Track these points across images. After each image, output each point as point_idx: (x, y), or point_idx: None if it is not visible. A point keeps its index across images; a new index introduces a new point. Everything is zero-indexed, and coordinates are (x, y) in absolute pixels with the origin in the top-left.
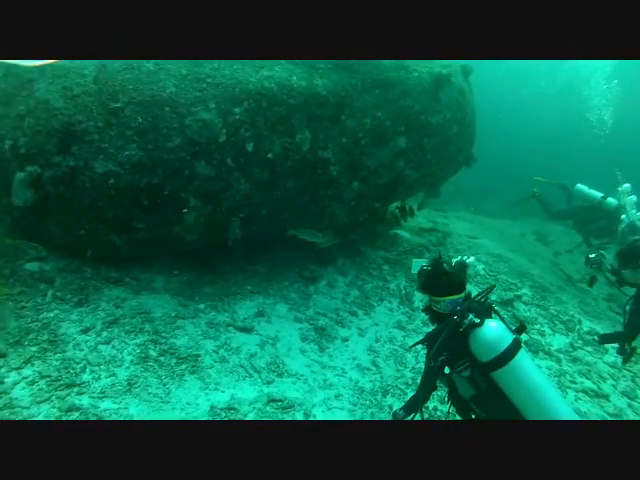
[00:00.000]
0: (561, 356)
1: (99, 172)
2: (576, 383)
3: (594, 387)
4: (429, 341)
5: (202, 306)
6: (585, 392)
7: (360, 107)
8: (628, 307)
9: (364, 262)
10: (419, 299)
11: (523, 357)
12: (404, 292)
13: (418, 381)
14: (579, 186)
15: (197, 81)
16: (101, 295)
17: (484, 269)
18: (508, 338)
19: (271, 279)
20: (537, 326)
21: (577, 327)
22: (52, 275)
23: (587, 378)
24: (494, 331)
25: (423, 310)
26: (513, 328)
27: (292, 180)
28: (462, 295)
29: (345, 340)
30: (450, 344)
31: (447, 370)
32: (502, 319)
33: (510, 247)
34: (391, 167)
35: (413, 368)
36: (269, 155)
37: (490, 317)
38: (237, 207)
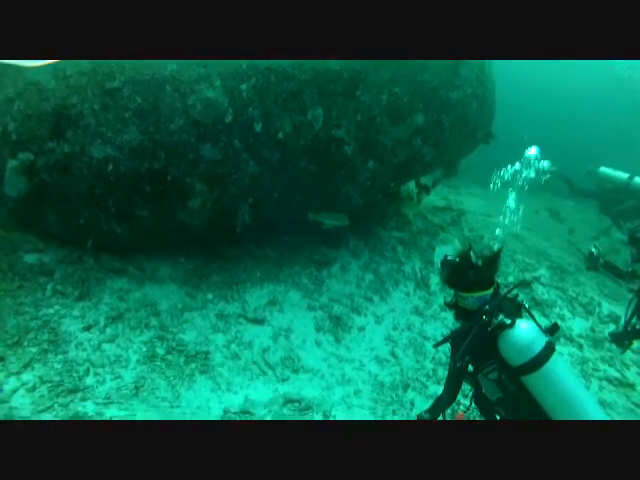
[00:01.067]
0: (582, 342)
1: (96, 158)
2: (599, 371)
3: (618, 375)
4: (455, 340)
5: (210, 296)
6: (609, 381)
7: (376, 82)
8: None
9: (377, 243)
10: (435, 282)
11: (557, 361)
12: (420, 275)
13: (439, 373)
14: (603, 169)
15: None
16: (104, 287)
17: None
18: (541, 341)
19: (282, 264)
20: (557, 309)
21: (597, 310)
22: (52, 267)
23: (610, 365)
24: (526, 333)
25: (447, 305)
26: (545, 328)
27: (304, 161)
28: (491, 291)
29: (362, 329)
30: (477, 345)
31: (470, 368)
32: (533, 318)
33: (525, 225)
34: (408, 145)
35: (433, 358)
36: (279, 135)
37: (520, 316)
38: (245, 191)
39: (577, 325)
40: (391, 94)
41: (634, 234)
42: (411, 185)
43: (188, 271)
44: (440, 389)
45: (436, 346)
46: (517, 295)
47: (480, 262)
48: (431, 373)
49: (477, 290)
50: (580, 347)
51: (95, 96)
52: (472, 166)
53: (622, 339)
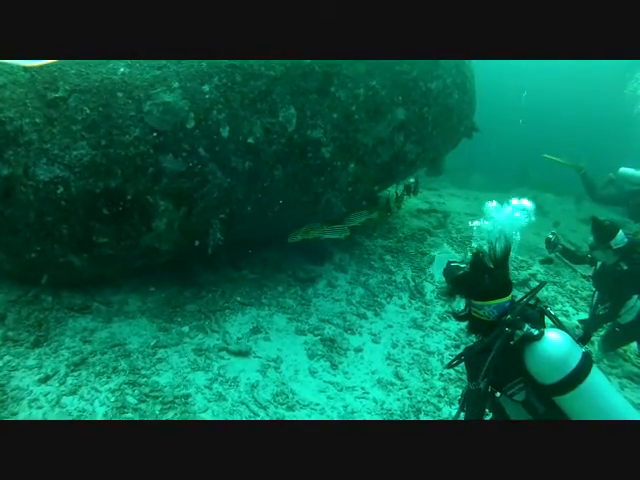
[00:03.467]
0: (593, 338)
1: (43, 180)
2: (616, 367)
3: (636, 370)
4: (471, 358)
5: (186, 328)
6: (629, 378)
7: (351, 76)
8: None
9: (363, 254)
10: (430, 290)
11: (596, 376)
12: (413, 284)
13: (451, 392)
14: (624, 170)
15: None
16: (65, 328)
17: None
18: (577, 353)
19: (263, 285)
20: (559, 306)
21: None
22: (2, 310)
23: (625, 360)
24: (559, 346)
25: (458, 316)
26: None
27: (279, 168)
28: (509, 297)
29: (359, 350)
30: (499, 362)
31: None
32: (560, 325)
33: None
34: (390, 143)
35: (441, 375)
36: (249, 140)
37: (544, 325)
38: (216, 206)
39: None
40: (368, 88)
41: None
42: (391, 189)
43: (160, 301)
44: (454, 410)
45: (449, 367)
46: (537, 300)
47: (492, 264)
48: (442, 392)
49: (495, 298)
50: (591, 343)
51: (36, 109)
52: (447, 166)
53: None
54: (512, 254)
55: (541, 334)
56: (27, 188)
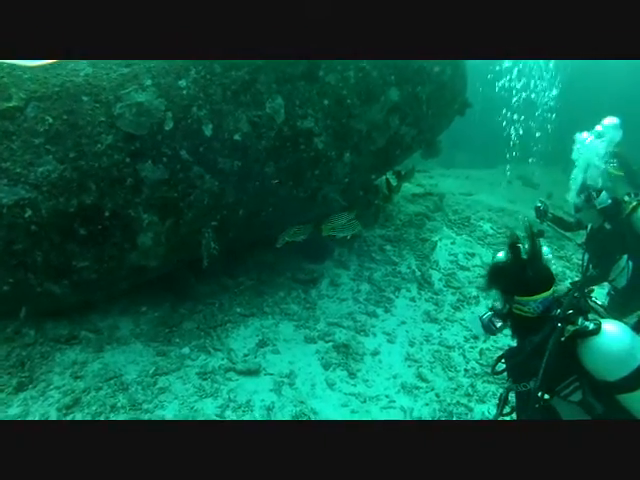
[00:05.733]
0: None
1: (7, 204)
2: None
3: None
4: (519, 359)
5: (187, 350)
6: None
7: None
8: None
9: (362, 246)
10: (437, 278)
11: None
12: (419, 273)
13: (479, 388)
14: None
15: None
16: (52, 365)
17: (491, 227)
18: None
19: (262, 292)
20: (568, 281)
21: None
22: None
23: None
24: (620, 339)
25: (497, 314)
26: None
27: (270, 164)
28: (552, 291)
29: (375, 354)
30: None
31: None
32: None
33: (508, 197)
34: (385, 127)
35: (466, 371)
36: (236, 136)
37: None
38: (206, 214)
39: (599, 295)
40: (358, 69)
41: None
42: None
43: (154, 322)
44: (485, 408)
45: (496, 373)
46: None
47: (530, 256)
48: (470, 390)
49: (539, 291)
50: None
51: None
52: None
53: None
54: None
55: (598, 328)
56: None
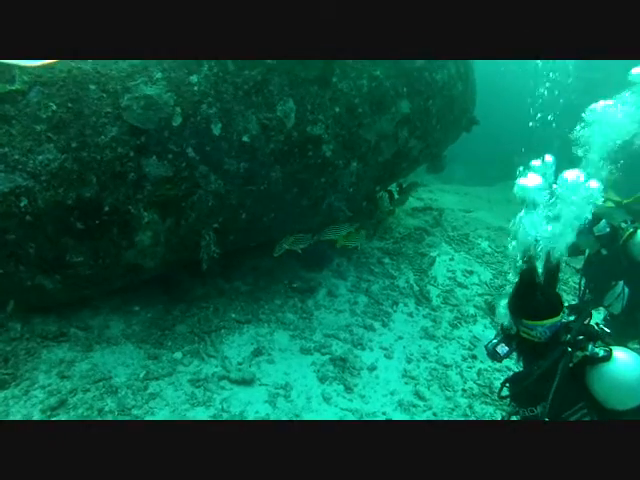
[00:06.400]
0: None
1: (2, 191)
2: None
3: None
4: (524, 385)
5: (179, 355)
6: None
7: (354, 65)
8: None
9: (361, 258)
10: (435, 295)
11: None
12: (417, 288)
13: (476, 409)
14: None
15: None
16: (38, 362)
17: (489, 245)
18: None
19: (259, 299)
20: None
21: None
22: None
23: None
24: (632, 367)
25: (506, 335)
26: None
27: (276, 169)
28: (561, 317)
29: (372, 369)
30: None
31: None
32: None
33: (506, 216)
34: (394, 139)
35: (464, 391)
36: (244, 138)
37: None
38: (208, 215)
39: (597, 317)
40: (372, 78)
41: None
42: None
43: (146, 323)
44: None
45: (503, 398)
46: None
47: (542, 280)
48: (468, 411)
49: (548, 317)
50: None
51: None
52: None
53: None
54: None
55: (609, 355)
56: None
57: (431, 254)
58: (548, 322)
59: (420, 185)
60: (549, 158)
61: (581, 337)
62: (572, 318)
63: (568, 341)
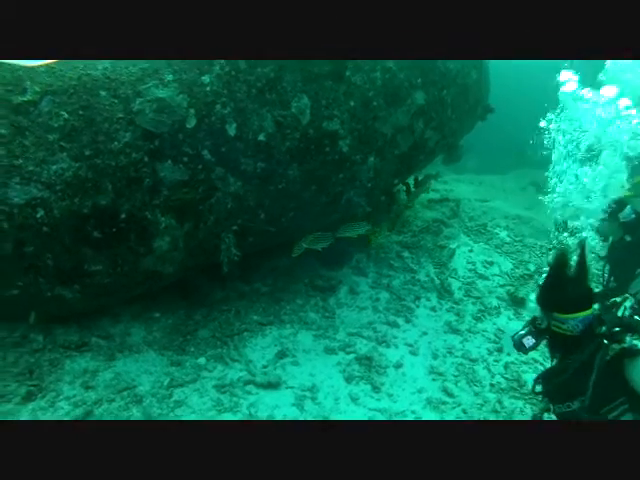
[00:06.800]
0: None
1: (18, 203)
2: None
3: None
4: (559, 381)
5: (203, 360)
6: None
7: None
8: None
9: (380, 253)
10: (457, 287)
11: None
12: (438, 282)
13: (506, 404)
14: None
15: None
16: (62, 372)
17: (508, 235)
18: None
19: (279, 299)
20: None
21: None
22: None
23: None
24: None
25: (537, 329)
26: None
27: (294, 167)
28: (592, 310)
29: (398, 366)
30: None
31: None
32: None
33: (524, 205)
34: (410, 131)
35: (492, 386)
36: (260, 137)
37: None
38: (227, 217)
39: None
40: (385, 70)
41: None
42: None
43: (167, 329)
44: None
45: (537, 394)
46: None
47: (574, 273)
48: (498, 407)
49: (580, 309)
50: None
51: (0, 117)
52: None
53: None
54: None
55: None
56: None
57: (450, 246)
58: (581, 315)
59: (435, 176)
60: None
61: (617, 329)
62: (596, 307)
63: (604, 333)
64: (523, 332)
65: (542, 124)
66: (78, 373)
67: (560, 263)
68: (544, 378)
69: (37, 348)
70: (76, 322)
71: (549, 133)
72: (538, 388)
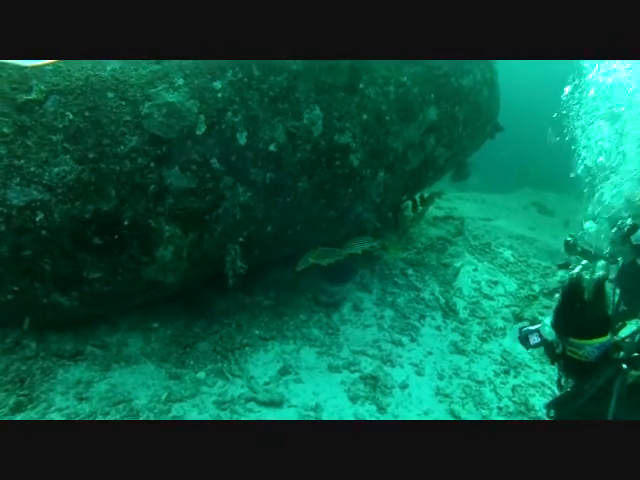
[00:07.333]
0: None
1: (17, 205)
2: None
3: None
4: (575, 406)
5: (202, 374)
6: None
7: (381, 70)
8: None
9: (384, 269)
10: (462, 307)
11: None
12: (443, 301)
13: None
14: None
15: None
16: (54, 382)
17: (512, 255)
18: None
19: (282, 314)
20: None
21: None
22: None
23: None
24: None
25: (551, 354)
26: None
27: (304, 179)
28: (609, 336)
29: (404, 387)
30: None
31: None
32: None
33: (527, 225)
34: (421, 147)
35: (499, 409)
36: (271, 147)
37: None
38: (234, 228)
39: (627, 330)
40: (399, 84)
41: None
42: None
43: (166, 340)
44: None
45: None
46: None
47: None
48: None
49: (596, 335)
50: None
51: (3, 115)
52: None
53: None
54: None
55: None
56: None
57: (455, 264)
58: (597, 341)
59: (439, 194)
60: None
61: (636, 354)
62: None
63: (622, 359)
64: (532, 328)
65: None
66: (71, 383)
67: (576, 287)
68: (558, 404)
69: (29, 355)
70: (71, 329)
71: None
72: (552, 413)
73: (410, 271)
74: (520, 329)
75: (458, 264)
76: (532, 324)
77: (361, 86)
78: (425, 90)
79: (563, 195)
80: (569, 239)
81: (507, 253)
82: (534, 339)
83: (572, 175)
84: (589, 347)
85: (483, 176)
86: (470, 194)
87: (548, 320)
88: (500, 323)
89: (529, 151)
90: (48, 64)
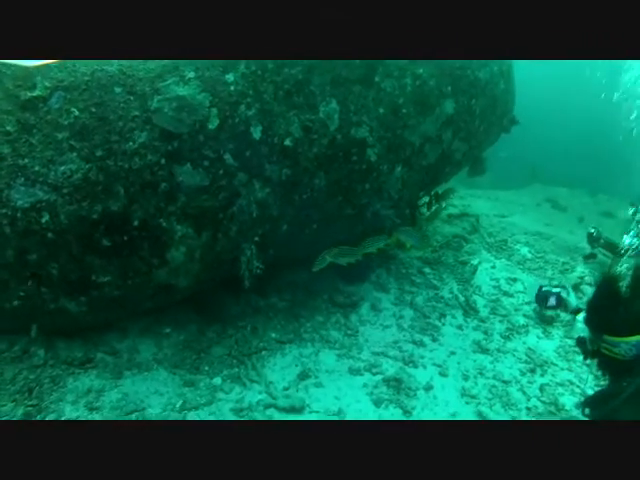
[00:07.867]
0: None
1: (22, 206)
2: None
3: None
4: (615, 405)
5: (218, 380)
6: None
7: (397, 63)
8: None
9: (400, 268)
10: (482, 305)
11: None
12: (462, 299)
13: None
14: None
15: None
16: (64, 391)
17: (529, 251)
18: None
19: (298, 316)
20: None
21: None
22: None
23: None
24: None
25: (585, 351)
26: None
27: (320, 175)
28: None
29: (428, 389)
30: None
31: None
32: None
33: (542, 221)
34: (438, 141)
35: (528, 410)
36: (286, 142)
37: None
38: (249, 227)
39: None
40: (415, 77)
41: None
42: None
43: (179, 345)
44: None
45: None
46: None
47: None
48: None
49: (634, 332)
50: None
51: (6, 113)
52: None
53: None
54: None
55: None
56: (1, 218)
57: (472, 262)
58: (634, 339)
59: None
60: None
61: None
62: None
63: None
64: (552, 290)
65: None
66: (82, 392)
67: (611, 283)
68: (593, 402)
69: (38, 364)
70: (80, 336)
71: None
72: (587, 412)
73: (427, 269)
74: (540, 287)
75: (475, 261)
76: (554, 287)
77: (377, 79)
78: (442, 83)
79: (574, 190)
80: (592, 231)
81: (524, 250)
82: (551, 301)
83: None
84: (625, 345)
85: (495, 173)
86: (482, 191)
87: (581, 317)
88: (522, 320)
89: (540, 149)
90: (53, 62)
